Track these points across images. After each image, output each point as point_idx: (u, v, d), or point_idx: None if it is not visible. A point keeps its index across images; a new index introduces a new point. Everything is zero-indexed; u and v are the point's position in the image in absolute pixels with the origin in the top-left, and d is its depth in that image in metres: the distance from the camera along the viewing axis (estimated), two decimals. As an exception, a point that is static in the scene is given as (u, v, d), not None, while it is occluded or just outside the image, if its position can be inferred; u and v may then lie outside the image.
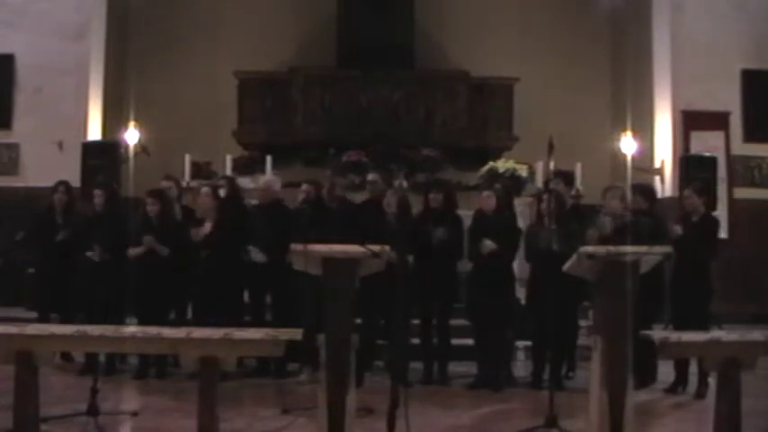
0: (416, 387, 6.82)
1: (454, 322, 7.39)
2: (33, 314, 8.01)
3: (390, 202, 7.30)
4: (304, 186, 7.70)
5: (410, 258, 7.01)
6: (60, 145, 10.56)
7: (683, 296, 6.95)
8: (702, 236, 7.00)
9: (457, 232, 7.31)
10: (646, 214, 7.08)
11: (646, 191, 7.49)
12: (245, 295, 7.66)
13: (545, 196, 7.21)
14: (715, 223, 7.27)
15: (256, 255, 7.30)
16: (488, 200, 7.30)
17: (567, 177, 10.11)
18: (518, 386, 7.13)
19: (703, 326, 6.59)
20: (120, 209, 7.83)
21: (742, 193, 10.99)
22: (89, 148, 10.21)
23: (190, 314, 7.58)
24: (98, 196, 7.61)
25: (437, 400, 6.63)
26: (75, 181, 9.07)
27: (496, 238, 7.08)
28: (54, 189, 7.95)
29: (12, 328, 4.81)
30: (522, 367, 7.79)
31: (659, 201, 8.04)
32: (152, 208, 7.37)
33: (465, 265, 7.36)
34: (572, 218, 7.43)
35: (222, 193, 7.80)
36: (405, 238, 6.73)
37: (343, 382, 4.63)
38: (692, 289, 6.89)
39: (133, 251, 7.28)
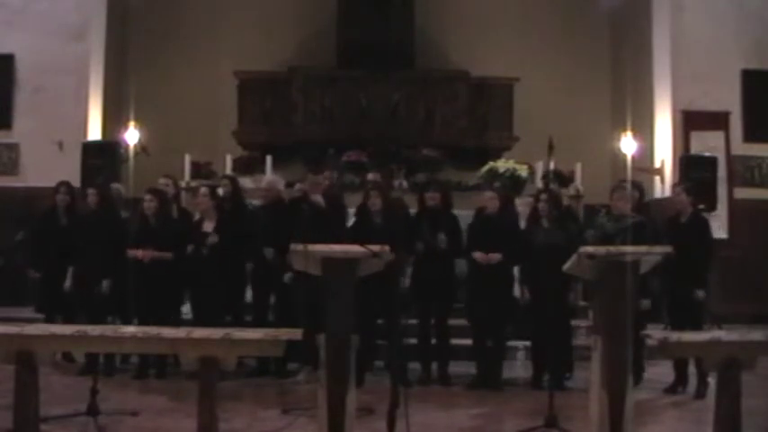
0: (416, 387, 6.82)
1: (454, 322, 7.39)
2: (34, 314, 8.01)
3: (375, 202, 7.29)
4: (298, 186, 7.70)
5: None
6: (60, 145, 10.56)
7: (678, 297, 6.94)
8: (693, 237, 6.97)
9: (455, 232, 7.31)
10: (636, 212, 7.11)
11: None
12: (248, 295, 7.67)
13: (542, 196, 7.24)
14: (705, 224, 7.21)
15: (269, 253, 7.31)
16: (492, 201, 7.29)
17: (562, 178, 10.19)
18: (518, 386, 7.14)
19: (698, 326, 6.61)
20: (115, 208, 7.82)
21: (742, 193, 10.99)
22: (89, 148, 10.22)
23: (189, 314, 7.58)
24: (91, 194, 7.65)
25: (437, 400, 6.63)
26: (76, 181, 9.07)
27: (499, 240, 7.09)
28: (56, 190, 7.95)
29: (12, 328, 4.80)
30: (522, 367, 7.80)
31: (645, 199, 8.03)
32: (149, 204, 7.36)
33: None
34: (567, 218, 7.45)
35: (222, 192, 7.81)
36: (392, 237, 6.71)
37: (343, 382, 4.63)
38: (688, 289, 6.88)
39: (132, 253, 7.27)
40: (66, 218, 7.90)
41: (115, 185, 8.39)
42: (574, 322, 7.56)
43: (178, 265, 7.33)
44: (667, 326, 7.03)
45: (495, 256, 7.03)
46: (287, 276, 7.07)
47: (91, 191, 7.73)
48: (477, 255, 7.09)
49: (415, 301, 7.24)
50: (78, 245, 7.51)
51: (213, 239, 7.18)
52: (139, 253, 7.21)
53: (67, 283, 7.58)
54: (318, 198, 7.24)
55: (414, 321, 7.29)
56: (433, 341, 7.35)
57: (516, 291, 7.32)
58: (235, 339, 4.58)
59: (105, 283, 7.30)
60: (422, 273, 7.22)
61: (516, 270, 7.34)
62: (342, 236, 6.74)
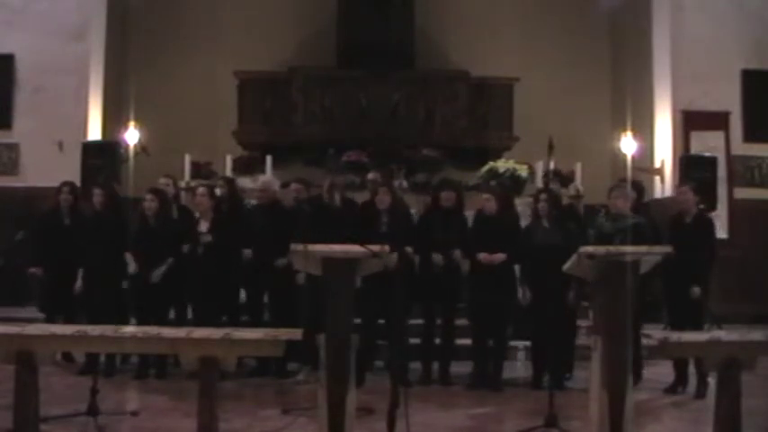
0: (416, 387, 6.82)
1: (455, 322, 7.38)
2: (35, 314, 8.01)
3: (384, 199, 7.29)
4: (293, 186, 7.70)
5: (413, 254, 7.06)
6: (60, 145, 10.55)
7: (678, 297, 6.94)
8: (698, 237, 6.97)
9: (464, 233, 7.31)
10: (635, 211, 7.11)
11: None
12: (243, 295, 7.66)
13: (542, 196, 7.24)
14: (710, 224, 7.23)
15: (281, 263, 7.18)
16: (488, 202, 7.29)
17: (562, 178, 10.20)
18: (518, 386, 7.14)
19: (698, 326, 6.60)
20: (120, 209, 7.82)
21: (742, 193, 10.98)
22: (89, 148, 10.22)
23: (189, 314, 7.59)
24: (97, 195, 7.63)
25: (437, 400, 6.64)
26: (76, 181, 9.05)
27: (499, 240, 7.08)
28: (59, 190, 7.94)
29: (12, 328, 4.81)
30: (522, 367, 7.80)
31: (645, 199, 8.04)
32: (150, 204, 7.37)
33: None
34: (568, 217, 7.45)
35: (219, 192, 7.81)
36: (400, 236, 6.71)
37: (343, 382, 4.63)
38: (688, 289, 6.88)
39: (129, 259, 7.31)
40: (69, 218, 7.89)
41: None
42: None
43: (176, 266, 7.34)
44: (667, 326, 7.03)
45: (500, 257, 7.03)
46: (300, 276, 7.07)
47: (97, 191, 7.69)
48: (482, 255, 7.08)
49: (419, 300, 7.23)
50: (81, 245, 7.50)
51: (207, 238, 7.19)
52: (131, 267, 7.26)
53: (78, 284, 7.56)
54: (337, 198, 7.32)
55: (418, 321, 7.29)
56: (437, 341, 7.35)
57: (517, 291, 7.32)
58: (235, 339, 4.59)
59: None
60: (426, 272, 7.21)
61: (517, 270, 7.34)
62: (356, 234, 6.76)
